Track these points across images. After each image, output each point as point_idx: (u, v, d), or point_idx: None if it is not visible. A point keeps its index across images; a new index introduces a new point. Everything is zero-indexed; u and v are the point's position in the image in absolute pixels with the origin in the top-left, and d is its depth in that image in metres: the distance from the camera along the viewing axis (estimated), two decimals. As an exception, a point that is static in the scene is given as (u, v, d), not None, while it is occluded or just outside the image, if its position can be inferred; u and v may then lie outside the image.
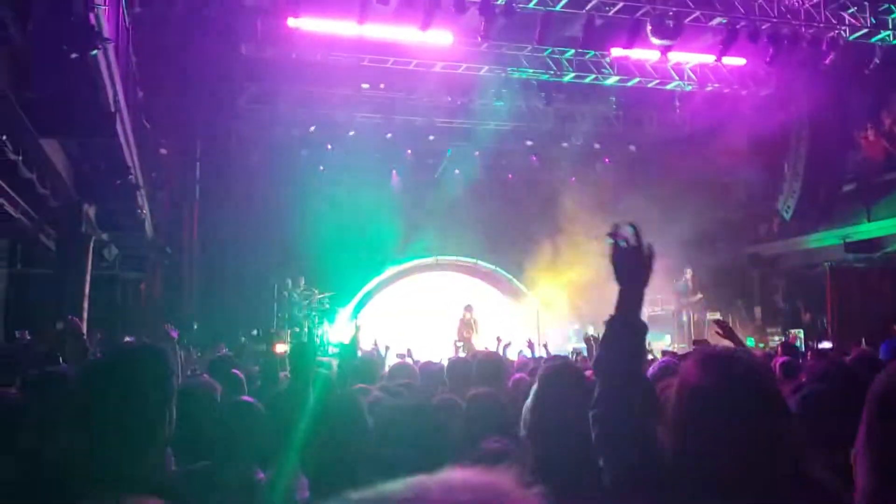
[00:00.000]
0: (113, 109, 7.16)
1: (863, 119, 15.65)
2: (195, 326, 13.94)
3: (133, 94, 10.22)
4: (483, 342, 13.99)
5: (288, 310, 15.13)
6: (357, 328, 13.37)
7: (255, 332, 13.56)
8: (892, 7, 13.40)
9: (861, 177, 14.97)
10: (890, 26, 13.44)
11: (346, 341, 12.72)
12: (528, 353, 10.70)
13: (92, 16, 5.74)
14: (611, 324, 2.00)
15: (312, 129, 16.22)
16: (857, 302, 14.39)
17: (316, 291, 15.47)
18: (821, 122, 15.09)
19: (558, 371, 2.66)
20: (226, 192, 15.02)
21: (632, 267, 2.08)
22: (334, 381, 5.16)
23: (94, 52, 5.89)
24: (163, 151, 14.31)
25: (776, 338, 14.99)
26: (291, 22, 12.34)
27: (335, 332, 15.62)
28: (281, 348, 12.30)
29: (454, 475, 0.66)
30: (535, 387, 2.60)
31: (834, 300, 15.07)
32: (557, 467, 2.35)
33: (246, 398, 3.52)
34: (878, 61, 13.69)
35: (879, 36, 13.49)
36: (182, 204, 15.33)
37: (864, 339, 11.87)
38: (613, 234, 2.02)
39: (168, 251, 14.61)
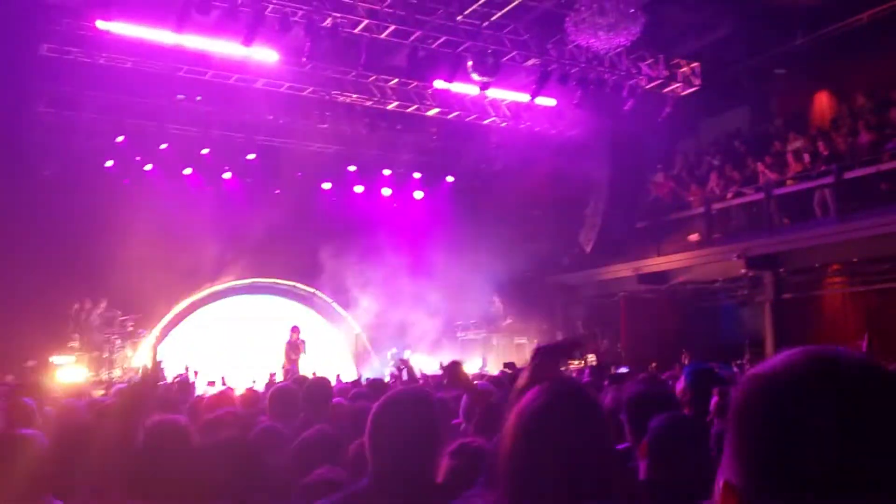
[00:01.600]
0: None
1: (655, 162, 17.22)
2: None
3: None
4: (310, 365, 13.74)
5: (87, 333, 14.00)
6: (154, 355, 12.64)
7: (29, 362, 12.44)
8: (682, 62, 14.91)
9: (652, 215, 16.37)
10: (679, 79, 14.92)
11: (143, 368, 12.02)
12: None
13: None
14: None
15: (120, 138, 15.23)
16: (647, 329, 15.68)
17: (119, 314, 14.45)
18: (619, 163, 16.42)
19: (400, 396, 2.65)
20: (19, 202, 13.65)
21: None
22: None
23: None
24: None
25: (575, 362, 15.91)
26: (100, 24, 11.57)
27: (139, 357, 14.66)
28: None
29: None
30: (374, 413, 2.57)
31: (628, 327, 16.34)
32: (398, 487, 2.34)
33: (26, 431, 3.23)
34: (669, 110, 15.13)
35: (671, 87, 14.94)
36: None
37: (654, 364, 12.96)
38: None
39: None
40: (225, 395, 5.70)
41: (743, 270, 13.52)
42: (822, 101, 15.61)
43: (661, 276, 15.51)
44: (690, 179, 16.29)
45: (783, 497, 0.83)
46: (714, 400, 3.92)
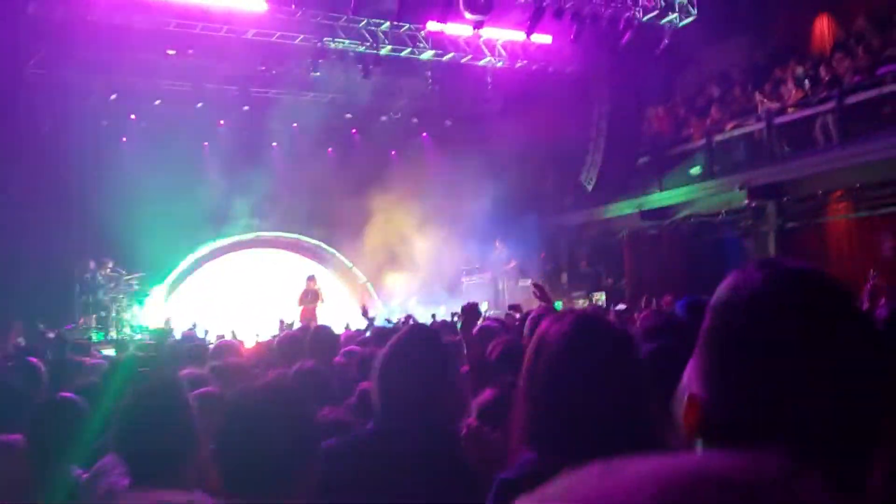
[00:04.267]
0: None
1: (655, 96, 16.99)
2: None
3: None
4: (328, 313, 13.90)
5: (92, 293, 14.09)
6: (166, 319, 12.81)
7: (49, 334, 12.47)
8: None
9: (653, 150, 16.23)
10: (676, 9, 14.62)
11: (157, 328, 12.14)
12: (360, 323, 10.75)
13: None
14: None
15: (113, 97, 15.09)
16: (651, 266, 15.69)
17: (124, 272, 14.51)
18: (618, 98, 16.18)
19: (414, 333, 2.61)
20: (15, 166, 13.59)
21: None
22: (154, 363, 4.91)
23: None
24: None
25: (581, 301, 16.00)
26: (85, -20, 11.36)
27: (147, 314, 14.78)
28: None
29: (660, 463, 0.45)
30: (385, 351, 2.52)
31: (631, 264, 16.35)
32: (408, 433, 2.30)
33: (66, 394, 3.25)
34: (666, 42, 14.87)
35: (668, 18, 14.65)
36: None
37: (654, 300, 13.01)
38: None
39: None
40: (230, 345, 5.75)
41: (746, 201, 13.45)
42: (823, 26, 15.30)
43: (663, 212, 15.45)
44: (690, 112, 16.11)
45: (743, 409, 0.85)
46: None
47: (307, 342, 4.54)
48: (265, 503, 1.99)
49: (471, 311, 3.35)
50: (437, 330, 3.33)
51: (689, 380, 0.92)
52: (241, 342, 9.48)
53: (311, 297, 14.32)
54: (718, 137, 14.63)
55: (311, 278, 14.65)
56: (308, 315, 13.62)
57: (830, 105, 12.42)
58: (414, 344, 2.48)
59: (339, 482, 2.26)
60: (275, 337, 7.94)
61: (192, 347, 6.60)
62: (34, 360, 4.98)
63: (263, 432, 2.22)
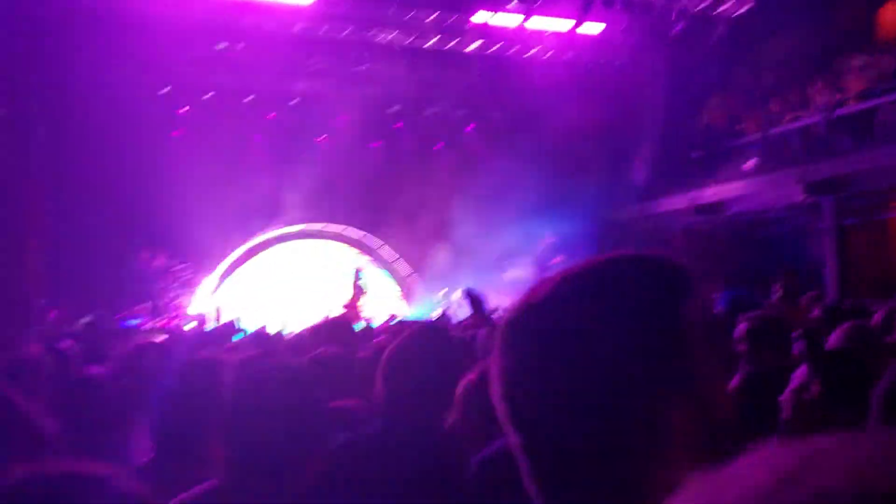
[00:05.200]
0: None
1: (708, 88, 16.53)
2: (43, 303, 13.04)
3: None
4: (374, 306, 14.01)
5: (145, 283, 14.40)
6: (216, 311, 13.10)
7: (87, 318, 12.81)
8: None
9: (707, 143, 15.80)
10: (730, -2, 14.21)
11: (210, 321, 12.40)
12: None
13: None
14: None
15: (165, 90, 15.34)
16: (704, 262, 15.28)
17: (175, 263, 14.80)
18: (671, 90, 15.80)
19: (421, 330, 2.56)
20: (69, 157, 13.95)
21: None
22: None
23: None
24: (-4, 113, 13.11)
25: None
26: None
27: (196, 305, 15.06)
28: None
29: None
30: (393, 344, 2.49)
31: (685, 261, 15.95)
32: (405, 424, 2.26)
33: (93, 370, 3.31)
34: (721, 32, 14.44)
35: (723, 8, 14.22)
36: (18, 171, 14.09)
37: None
38: None
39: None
40: (261, 336, 5.75)
41: (802, 196, 12.96)
42: (891, 13, 14.66)
43: (716, 207, 15.04)
44: (746, 104, 15.63)
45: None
46: None
47: (323, 333, 4.51)
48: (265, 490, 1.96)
49: (473, 296, 3.26)
50: (446, 328, 3.23)
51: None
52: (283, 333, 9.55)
53: (356, 289, 14.43)
54: (775, 130, 14.16)
55: (357, 270, 14.77)
56: (352, 307, 13.70)
57: (895, 96, 11.89)
58: (425, 344, 2.41)
59: (341, 482, 2.21)
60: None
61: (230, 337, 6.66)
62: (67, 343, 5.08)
63: (266, 419, 2.20)
